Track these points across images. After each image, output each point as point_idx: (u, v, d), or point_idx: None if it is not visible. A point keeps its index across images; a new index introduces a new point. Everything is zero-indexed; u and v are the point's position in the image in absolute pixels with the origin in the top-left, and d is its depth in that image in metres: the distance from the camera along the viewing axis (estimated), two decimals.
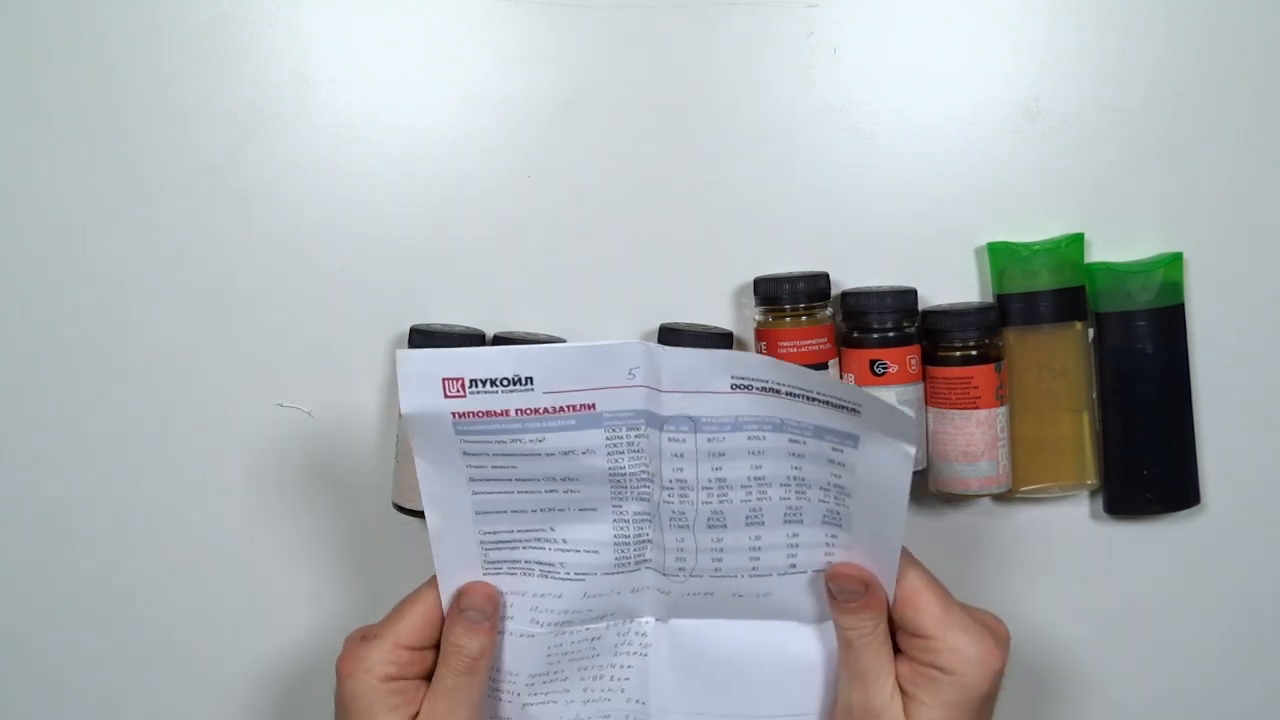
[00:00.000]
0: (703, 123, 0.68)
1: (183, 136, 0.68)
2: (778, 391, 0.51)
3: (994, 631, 0.56)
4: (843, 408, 0.51)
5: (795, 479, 0.54)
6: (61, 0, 0.67)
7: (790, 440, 0.53)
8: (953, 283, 0.68)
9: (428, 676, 0.57)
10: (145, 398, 0.69)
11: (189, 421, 0.69)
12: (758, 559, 0.56)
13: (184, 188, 0.68)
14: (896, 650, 0.56)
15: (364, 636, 0.57)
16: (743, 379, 0.52)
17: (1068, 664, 0.70)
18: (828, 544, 0.56)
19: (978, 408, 0.64)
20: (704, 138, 0.68)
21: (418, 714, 0.56)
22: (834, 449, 0.53)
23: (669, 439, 0.53)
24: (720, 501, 0.55)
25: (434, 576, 0.57)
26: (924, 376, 0.66)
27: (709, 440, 0.53)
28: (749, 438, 0.53)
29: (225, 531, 0.70)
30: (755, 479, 0.54)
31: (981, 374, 0.64)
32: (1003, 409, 0.65)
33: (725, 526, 0.56)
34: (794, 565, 0.56)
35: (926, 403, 0.66)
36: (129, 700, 0.71)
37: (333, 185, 0.68)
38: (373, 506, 0.69)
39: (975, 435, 0.65)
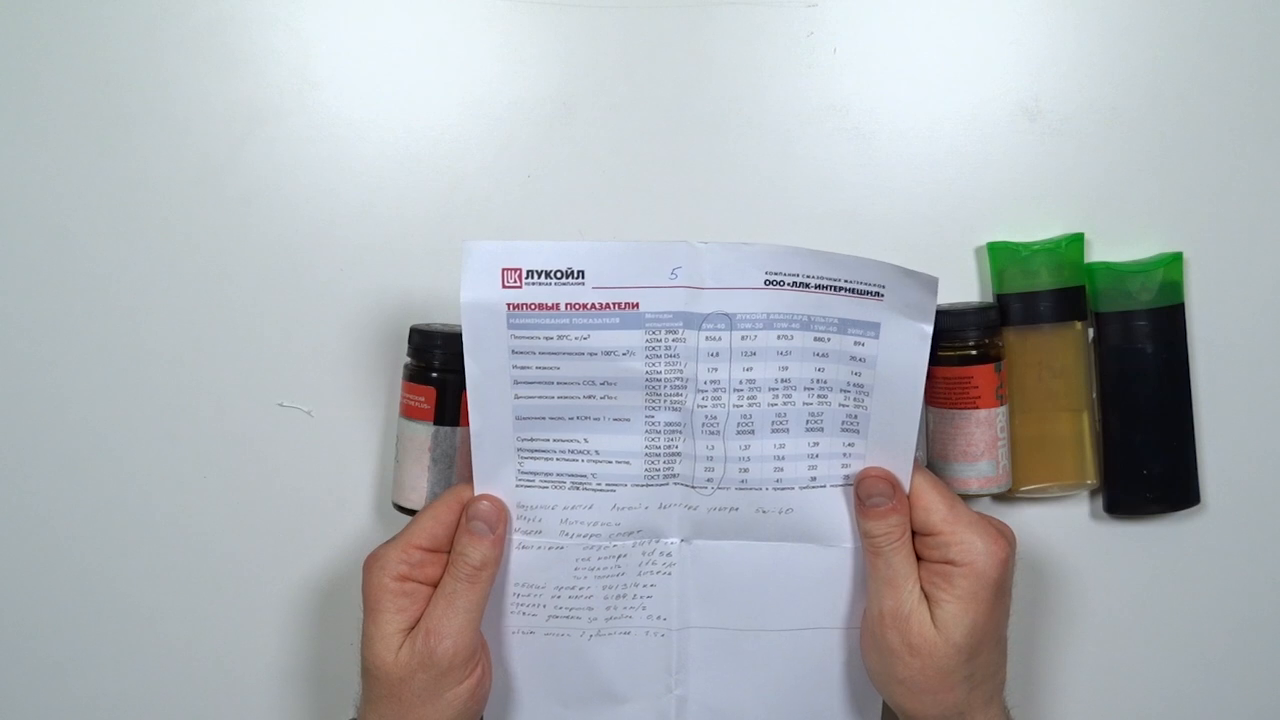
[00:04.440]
0: (703, 123, 0.68)
1: (183, 136, 0.68)
2: (807, 286, 0.57)
3: (998, 527, 0.60)
4: (867, 293, 0.57)
5: (818, 381, 0.59)
6: (61, 0, 0.67)
7: (815, 339, 0.58)
8: (953, 283, 0.68)
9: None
10: (145, 397, 0.69)
11: (189, 422, 0.69)
12: (781, 469, 0.60)
13: (184, 188, 0.68)
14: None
15: (387, 541, 0.60)
16: (776, 274, 0.56)
17: (1067, 664, 0.70)
18: (845, 453, 0.60)
19: (978, 408, 0.64)
20: (704, 138, 0.68)
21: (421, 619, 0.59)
22: (856, 343, 0.58)
23: (706, 337, 0.57)
24: (749, 404, 0.59)
25: (457, 485, 0.61)
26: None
27: (742, 338, 0.58)
28: (778, 336, 0.58)
29: (225, 532, 0.70)
30: (782, 380, 0.59)
31: (981, 374, 0.64)
32: (1003, 409, 0.65)
33: (753, 433, 0.59)
34: (814, 478, 0.60)
35: (926, 403, 0.66)
36: (127, 700, 0.71)
37: (333, 185, 0.68)
38: (373, 506, 0.69)
39: (975, 435, 0.65)
